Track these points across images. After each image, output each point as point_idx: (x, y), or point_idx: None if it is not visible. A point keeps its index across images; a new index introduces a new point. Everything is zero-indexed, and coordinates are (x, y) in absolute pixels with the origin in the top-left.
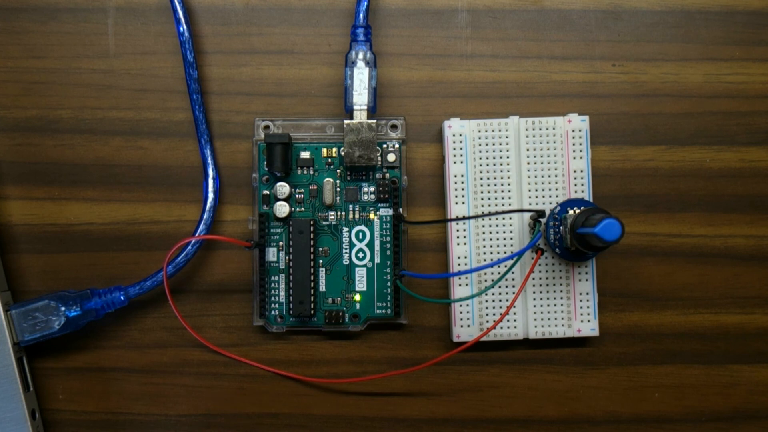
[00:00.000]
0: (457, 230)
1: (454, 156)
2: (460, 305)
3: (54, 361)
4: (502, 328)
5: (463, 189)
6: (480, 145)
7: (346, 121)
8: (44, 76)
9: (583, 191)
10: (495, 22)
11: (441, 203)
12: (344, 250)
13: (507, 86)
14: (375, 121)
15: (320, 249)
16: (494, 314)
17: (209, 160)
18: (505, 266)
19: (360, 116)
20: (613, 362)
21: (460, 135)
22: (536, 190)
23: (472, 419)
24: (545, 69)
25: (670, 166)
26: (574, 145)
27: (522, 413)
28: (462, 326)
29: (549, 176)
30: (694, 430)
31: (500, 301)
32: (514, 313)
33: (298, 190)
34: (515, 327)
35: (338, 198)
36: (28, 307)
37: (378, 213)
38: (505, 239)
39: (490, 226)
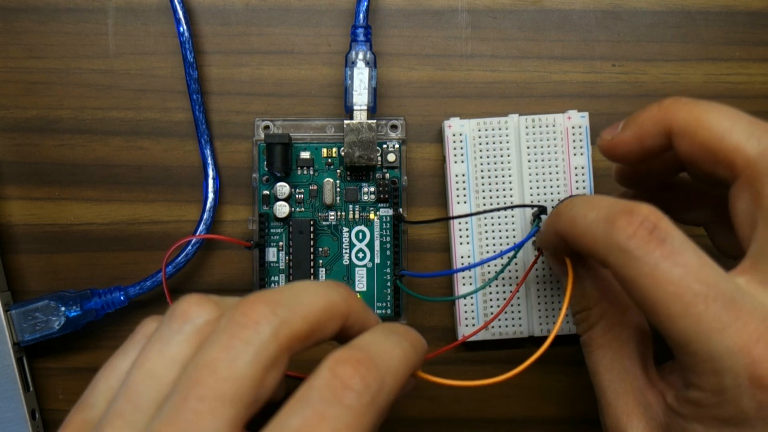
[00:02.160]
0: (460, 229)
1: (455, 156)
2: (465, 305)
3: (54, 361)
4: (506, 326)
5: (464, 188)
6: (480, 144)
7: (346, 121)
8: (44, 76)
9: (584, 187)
10: (495, 22)
11: (441, 203)
12: (344, 251)
13: (507, 86)
14: (375, 121)
15: (320, 249)
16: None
17: (209, 160)
18: (507, 258)
19: (360, 116)
20: None
21: (461, 134)
22: (538, 188)
23: (472, 419)
24: (545, 69)
25: None
26: (574, 141)
27: (522, 413)
28: (467, 326)
29: (550, 173)
30: None
31: (504, 300)
32: (519, 312)
33: (298, 190)
34: (520, 325)
35: (338, 198)
36: (28, 307)
37: (378, 213)
38: (507, 237)
39: (492, 224)
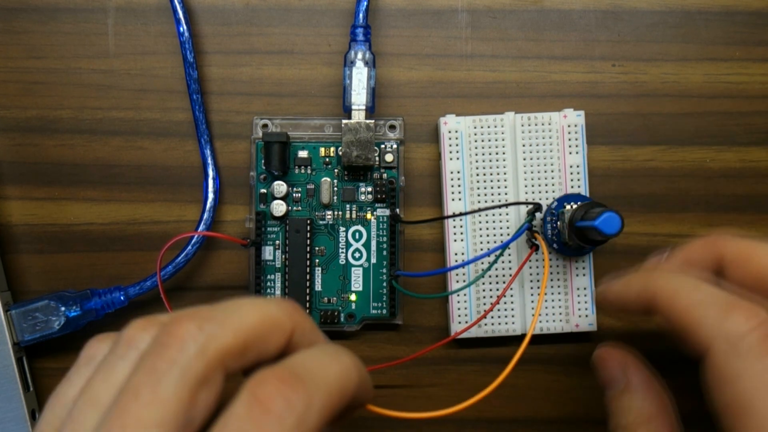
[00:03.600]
0: (454, 227)
1: (450, 153)
2: (458, 302)
3: (54, 361)
4: (500, 324)
5: (459, 186)
6: (476, 141)
7: (344, 121)
8: (44, 76)
9: (579, 186)
10: (495, 22)
11: (439, 203)
12: (341, 250)
13: (507, 86)
14: (373, 121)
15: (317, 248)
16: (492, 310)
17: (209, 160)
18: (495, 256)
19: (358, 116)
20: None
21: (456, 131)
22: (533, 186)
23: (472, 419)
24: (545, 69)
25: (670, 166)
26: (570, 140)
27: (522, 413)
28: (460, 323)
29: (545, 172)
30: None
31: (497, 297)
32: (512, 309)
33: (295, 189)
34: (513, 323)
35: (335, 197)
36: (28, 307)
37: (375, 213)
38: (501, 235)
39: (486, 222)
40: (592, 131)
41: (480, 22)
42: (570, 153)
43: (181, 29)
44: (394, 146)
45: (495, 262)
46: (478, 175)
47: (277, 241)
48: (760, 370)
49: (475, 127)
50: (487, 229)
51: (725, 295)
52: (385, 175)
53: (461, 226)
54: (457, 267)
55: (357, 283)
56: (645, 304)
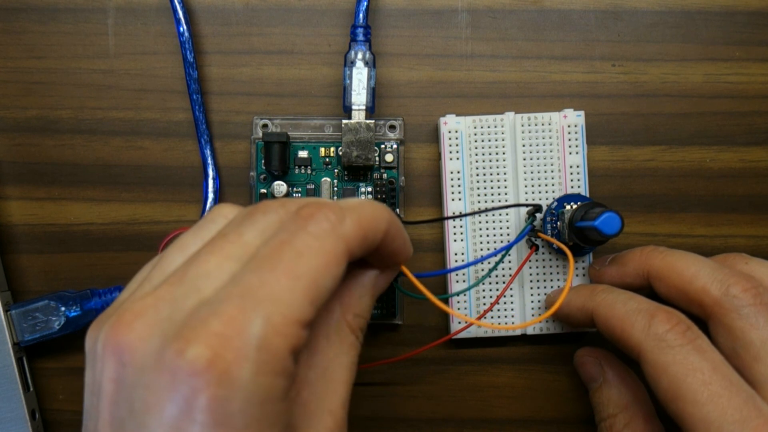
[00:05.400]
0: (454, 227)
1: (450, 153)
2: (458, 302)
3: (54, 361)
4: (499, 324)
5: (459, 185)
6: (476, 141)
7: (344, 121)
8: (44, 76)
9: (579, 186)
10: (495, 22)
11: (439, 203)
12: None
13: (507, 86)
14: (373, 121)
15: None
16: (492, 310)
17: (209, 160)
18: (500, 256)
19: (358, 116)
20: None
21: (456, 131)
22: (533, 186)
23: (472, 419)
24: (545, 69)
25: (670, 166)
26: (570, 140)
27: (522, 413)
28: (460, 323)
29: (545, 172)
30: None
31: (497, 296)
32: (512, 309)
33: (295, 189)
34: (512, 323)
35: (335, 198)
36: (28, 307)
37: None
38: (501, 235)
39: (486, 222)
40: (592, 131)
41: (480, 22)
42: (570, 153)
43: (181, 29)
44: (394, 146)
45: (498, 263)
46: (478, 175)
47: None
48: (682, 357)
49: (475, 127)
50: (488, 229)
51: (649, 303)
52: (385, 175)
53: (461, 227)
54: (459, 268)
55: None
56: (587, 315)
